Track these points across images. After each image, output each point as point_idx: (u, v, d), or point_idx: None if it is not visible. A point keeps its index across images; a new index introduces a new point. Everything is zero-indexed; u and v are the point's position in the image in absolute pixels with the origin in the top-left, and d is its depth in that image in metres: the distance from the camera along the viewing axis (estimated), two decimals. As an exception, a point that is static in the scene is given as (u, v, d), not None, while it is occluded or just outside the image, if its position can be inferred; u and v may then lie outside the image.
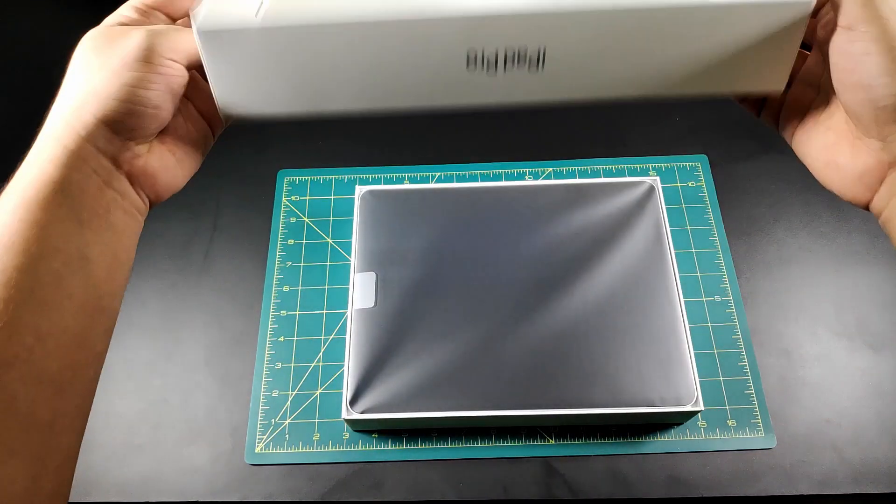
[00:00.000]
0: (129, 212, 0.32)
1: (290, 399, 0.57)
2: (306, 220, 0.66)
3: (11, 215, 0.28)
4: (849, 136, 0.32)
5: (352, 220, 0.60)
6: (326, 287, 0.62)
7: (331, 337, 0.60)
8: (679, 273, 0.57)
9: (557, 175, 0.68)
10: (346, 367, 0.53)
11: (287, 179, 0.68)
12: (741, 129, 0.71)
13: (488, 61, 0.34)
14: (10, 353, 0.27)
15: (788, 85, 0.34)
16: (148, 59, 0.30)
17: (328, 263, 0.63)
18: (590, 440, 0.55)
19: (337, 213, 0.66)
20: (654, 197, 0.59)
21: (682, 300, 0.55)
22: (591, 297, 0.55)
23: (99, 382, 0.60)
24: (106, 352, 0.33)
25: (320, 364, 0.59)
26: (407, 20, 0.31)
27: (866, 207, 0.33)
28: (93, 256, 0.30)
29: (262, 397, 0.57)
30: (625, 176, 0.67)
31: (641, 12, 0.31)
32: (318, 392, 0.57)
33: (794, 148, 0.36)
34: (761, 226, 0.65)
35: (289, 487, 0.54)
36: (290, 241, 0.65)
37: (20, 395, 0.27)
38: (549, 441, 0.55)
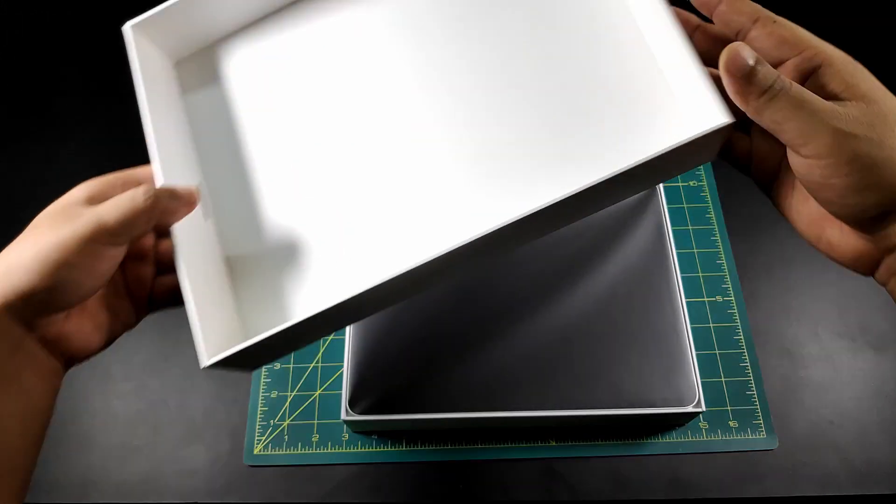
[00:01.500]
0: (40, 373, 0.32)
1: (290, 400, 0.57)
2: (306, 219, 0.66)
3: None
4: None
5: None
6: (326, 287, 0.62)
7: (330, 337, 0.59)
8: (680, 273, 0.56)
9: (558, 175, 0.67)
10: (345, 368, 0.52)
11: (286, 179, 0.68)
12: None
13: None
14: None
15: (748, 131, 0.30)
16: (80, 248, 0.30)
17: (328, 263, 0.63)
18: (591, 442, 0.55)
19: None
20: (656, 197, 0.59)
21: (684, 300, 0.54)
22: (593, 297, 0.54)
23: (98, 383, 0.60)
24: None
25: (319, 365, 0.58)
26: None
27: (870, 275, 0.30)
28: (4, 415, 0.30)
29: (260, 398, 0.57)
30: (626, 175, 0.67)
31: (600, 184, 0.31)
32: (318, 393, 0.57)
33: (782, 214, 0.32)
34: (763, 226, 0.65)
35: (288, 489, 0.54)
36: (290, 241, 0.64)
37: None
38: (549, 442, 0.55)
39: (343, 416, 0.51)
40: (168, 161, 0.36)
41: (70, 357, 0.34)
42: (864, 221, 0.28)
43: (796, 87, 0.28)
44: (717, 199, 0.66)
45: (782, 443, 0.55)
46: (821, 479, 0.53)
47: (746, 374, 0.57)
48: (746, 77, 0.28)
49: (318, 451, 0.55)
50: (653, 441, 0.55)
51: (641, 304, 0.54)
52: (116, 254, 0.32)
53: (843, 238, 0.30)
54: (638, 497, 0.53)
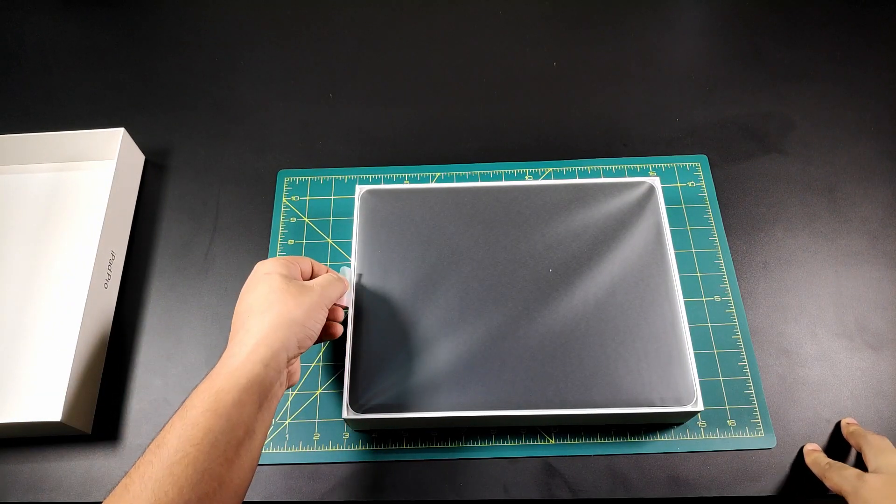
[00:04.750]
0: (277, 398, 0.44)
1: (290, 399, 0.57)
2: (306, 220, 0.66)
3: (226, 394, 0.40)
4: None
5: (352, 220, 0.60)
6: (326, 287, 0.62)
7: (331, 337, 0.60)
8: (679, 273, 0.56)
9: (557, 175, 0.68)
10: (346, 367, 0.53)
11: (287, 179, 0.68)
12: (741, 129, 0.71)
13: None
14: (200, 491, 0.37)
15: None
16: (321, 310, 0.47)
17: (328, 263, 0.63)
18: (590, 440, 0.55)
19: (337, 213, 0.66)
20: (654, 197, 0.59)
21: (682, 300, 0.55)
22: (591, 297, 0.55)
23: (101, 382, 0.60)
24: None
25: (320, 364, 0.59)
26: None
27: None
28: (257, 430, 0.41)
29: (262, 397, 0.57)
30: (625, 176, 0.67)
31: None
32: (318, 392, 0.57)
33: None
34: (761, 226, 0.65)
35: (289, 487, 0.54)
36: (290, 242, 0.65)
37: None
38: (549, 441, 0.55)
39: (344, 414, 0.51)
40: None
41: (290, 384, 0.48)
42: None
43: (836, 469, 0.49)
44: (716, 199, 0.66)
45: (780, 442, 0.55)
46: (818, 477, 0.53)
47: (744, 374, 0.57)
48: (821, 472, 0.51)
49: (318, 449, 0.55)
50: (651, 440, 0.55)
51: (640, 304, 0.54)
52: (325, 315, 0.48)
53: None
54: (637, 495, 0.53)
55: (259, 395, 0.41)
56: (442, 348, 0.53)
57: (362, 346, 0.53)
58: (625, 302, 0.55)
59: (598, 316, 0.54)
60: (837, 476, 0.49)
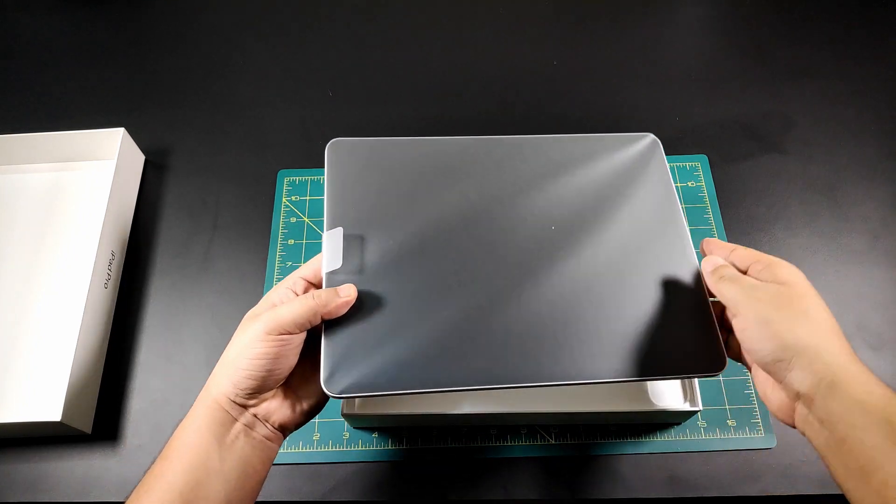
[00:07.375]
0: (255, 439, 0.42)
1: (290, 399, 0.57)
2: (306, 220, 0.66)
3: (175, 440, 0.40)
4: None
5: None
6: (326, 287, 0.62)
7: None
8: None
9: (557, 175, 0.67)
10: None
11: (287, 179, 0.68)
12: (741, 129, 0.71)
13: None
14: None
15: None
16: (264, 339, 0.40)
17: (328, 263, 0.63)
18: (589, 440, 0.55)
19: (337, 213, 0.66)
20: (658, 152, 0.54)
21: (696, 260, 0.49)
22: (601, 256, 0.49)
23: (101, 382, 0.60)
24: None
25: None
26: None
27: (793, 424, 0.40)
28: (226, 469, 0.40)
29: (262, 397, 0.57)
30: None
31: None
32: (318, 392, 0.57)
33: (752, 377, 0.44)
34: (761, 226, 0.65)
35: (289, 487, 0.54)
36: (290, 241, 0.65)
37: None
38: (549, 441, 0.55)
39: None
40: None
41: (280, 426, 0.44)
42: (769, 367, 0.40)
43: (737, 274, 0.44)
44: (716, 199, 0.66)
45: (780, 442, 0.55)
46: (818, 477, 0.53)
47: (744, 374, 0.57)
48: (715, 270, 0.45)
49: (318, 449, 0.55)
50: (651, 439, 0.55)
51: (655, 264, 0.49)
52: (294, 341, 0.42)
53: (774, 393, 0.41)
54: (636, 495, 0.53)
55: (212, 435, 0.40)
56: (435, 316, 0.45)
57: (338, 319, 0.44)
58: (639, 261, 0.48)
59: (609, 279, 0.48)
60: (729, 283, 0.43)
